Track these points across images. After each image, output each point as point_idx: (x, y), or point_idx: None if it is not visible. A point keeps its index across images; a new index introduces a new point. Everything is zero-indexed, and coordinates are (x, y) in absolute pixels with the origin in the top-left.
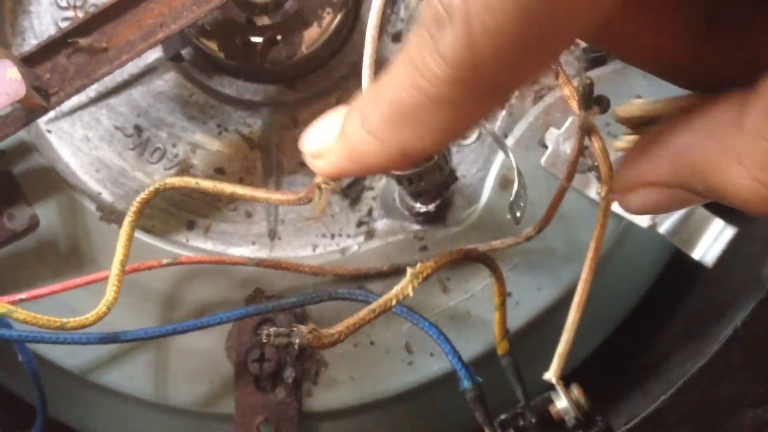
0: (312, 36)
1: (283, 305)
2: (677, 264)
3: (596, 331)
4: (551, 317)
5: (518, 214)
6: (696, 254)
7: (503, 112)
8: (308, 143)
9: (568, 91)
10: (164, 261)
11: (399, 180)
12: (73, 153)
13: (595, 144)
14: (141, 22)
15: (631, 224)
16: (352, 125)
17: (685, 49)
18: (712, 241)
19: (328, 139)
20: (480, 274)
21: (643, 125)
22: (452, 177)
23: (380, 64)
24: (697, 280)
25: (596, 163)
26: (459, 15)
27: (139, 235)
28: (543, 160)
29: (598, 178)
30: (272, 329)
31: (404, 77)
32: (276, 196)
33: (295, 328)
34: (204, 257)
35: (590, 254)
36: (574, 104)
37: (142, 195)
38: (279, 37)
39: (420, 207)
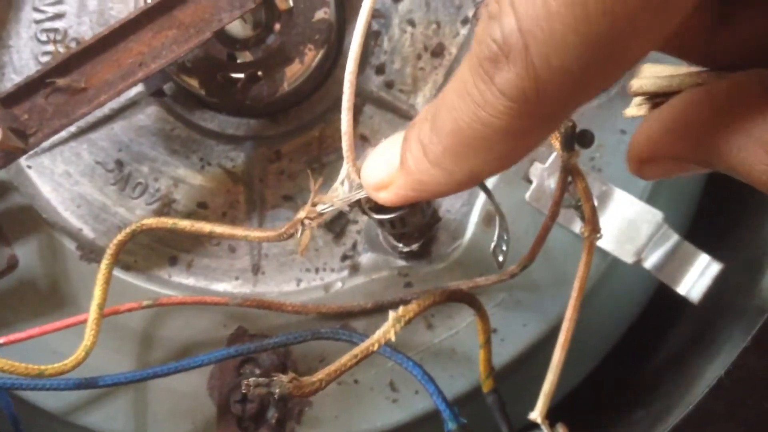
0: (294, 72)
1: (265, 345)
2: (663, 295)
3: (581, 365)
4: (537, 352)
5: (501, 259)
6: (682, 290)
7: None
8: (368, 177)
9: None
10: (144, 303)
11: (381, 223)
12: (54, 189)
13: (579, 185)
14: (120, 61)
15: (616, 260)
16: (414, 158)
17: (699, 28)
18: (698, 276)
19: (389, 171)
20: (465, 311)
21: (656, 98)
22: (435, 218)
23: (363, 98)
24: (683, 312)
25: (580, 203)
26: (518, 53)
27: (119, 273)
28: (527, 196)
29: (582, 218)
30: (252, 379)
31: (463, 111)
32: (255, 233)
33: (275, 378)
34: (186, 298)
35: (574, 294)
36: (556, 144)
37: (119, 237)
38: (260, 74)
39: (403, 247)
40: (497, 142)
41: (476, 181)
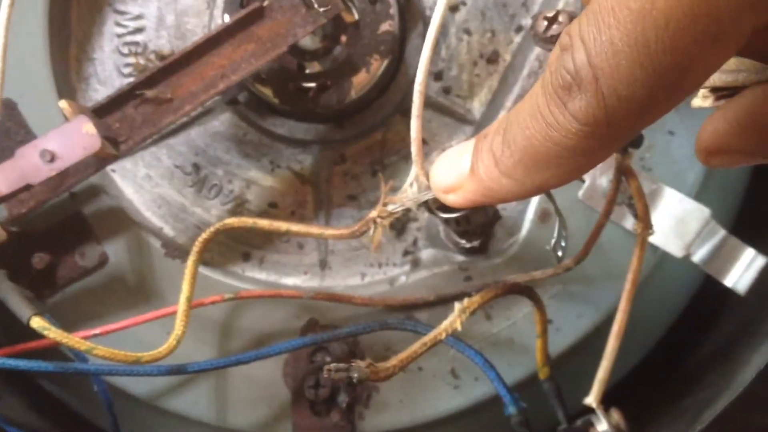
0: (360, 81)
1: (337, 335)
2: (710, 287)
3: (633, 353)
4: (590, 342)
5: (560, 254)
6: (729, 282)
7: None
8: (438, 180)
9: None
10: (226, 296)
11: (446, 221)
12: (136, 191)
13: (632, 185)
14: (203, 74)
15: (665, 254)
16: (485, 167)
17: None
18: (743, 270)
19: (458, 176)
20: (521, 303)
21: (722, 90)
22: (496, 216)
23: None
24: (730, 303)
25: (632, 201)
26: (588, 84)
27: (200, 269)
28: (581, 194)
29: (635, 215)
30: (333, 365)
31: (536, 130)
32: (329, 231)
33: (353, 363)
34: (263, 291)
35: (628, 286)
36: None
37: (204, 236)
38: (329, 83)
39: (465, 243)
40: (567, 159)
41: (543, 191)
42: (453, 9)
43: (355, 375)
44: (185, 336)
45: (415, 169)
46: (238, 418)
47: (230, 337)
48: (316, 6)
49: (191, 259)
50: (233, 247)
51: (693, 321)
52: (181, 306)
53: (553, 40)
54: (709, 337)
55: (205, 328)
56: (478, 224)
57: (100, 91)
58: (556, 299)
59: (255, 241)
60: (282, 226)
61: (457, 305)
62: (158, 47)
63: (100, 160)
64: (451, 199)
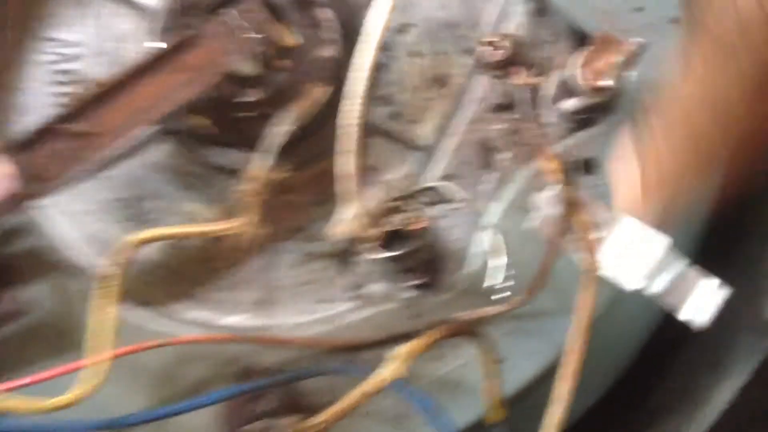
0: (302, 110)
1: (275, 381)
2: (671, 320)
3: (588, 394)
4: (546, 380)
5: (502, 294)
6: (688, 316)
7: (493, 175)
8: None
9: (551, 165)
10: (155, 342)
11: (386, 259)
12: (70, 227)
13: (580, 219)
14: (132, 105)
15: (620, 289)
16: None
17: None
18: (705, 302)
19: None
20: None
21: None
22: (442, 251)
23: (370, 130)
24: (692, 336)
25: (581, 236)
26: None
27: (131, 312)
28: (532, 224)
29: (583, 253)
30: (248, 427)
31: None
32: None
33: (279, 420)
34: (198, 336)
35: (577, 329)
36: (557, 176)
37: (119, 258)
38: (270, 112)
39: (409, 282)
40: None
41: None
42: (402, 30)
43: None
44: (114, 386)
45: (349, 206)
46: None
47: (164, 385)
48: (251, 33)
49: (109, 287)
50: (169, 284)
51: (655, 355)
52: (100, 350)
53: (498, 66)
54: (672, 371)
55: (136, 377)
56: (420, 261)
57: (32, 123)
58: (509, 336)
59: (195, 277)
60: (195, 228)
61: (398, 351)
62: (95, 75)
63: (22, 198)
64: None
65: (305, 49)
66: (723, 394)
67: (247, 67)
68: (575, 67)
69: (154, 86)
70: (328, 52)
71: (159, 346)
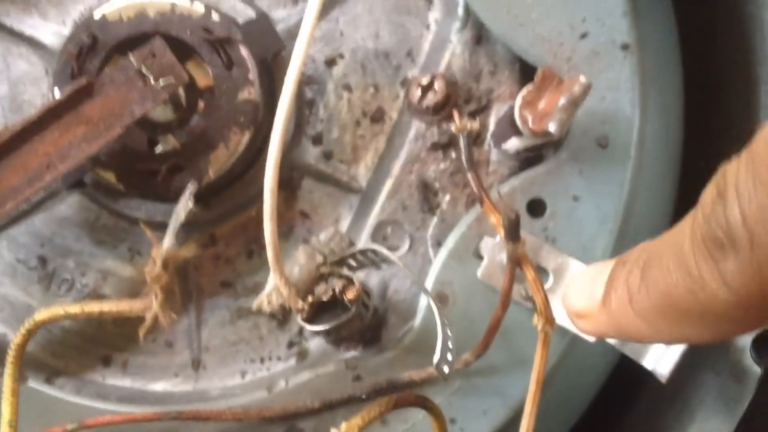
0: (219, 159)
1: None
2: (625, 365)
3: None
4: None
5: (446, 370)
6: (648, 365)
7: (435, 220)
8: (570, 302)
9: (494, 219)
10: (69, 427)
11: (315, 333)
12: None
13: (528, 275)
14: (26, 165)
15: (576, 337)
16: (618, 301)
17: None
18: (663, 351)
19: (591, 304)
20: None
21: None
22: (377, 319)
23: (301, 172)
24: (646, 382)
25: (531, 294)
26: (743, 249)
27: (44, 388)
28: (479, 273)
29: (534, 309)
30: None
31: (679, 280)
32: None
33: None
34: (114, 417)
35: (533, 387)
36: (501, 230)
37: (15, 340)
38: (182, 164)
39: (344, 351)
40: (712, 322)
41: (684, 342)
42: (330, 63)
43: None
44: None
45: (273, 277)
46: None
47: None
48: (153, 80)
49: (7, 372)
50: (91, 350)
51: (608, 404)
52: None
53: (429, 111)
54: (629, 417)
55: None
56: (354, 332)
57: None
58: (459, 395)
59: (116, 342)
60: (94, 307)
61: (339, 429)
62: None
63: None
64: (582, 326)
65: (219, 92)
66: None
67: (159, 111)
68: (515, 109)
69: (49, 143)
70: (244, 95)
71: (76, 430)
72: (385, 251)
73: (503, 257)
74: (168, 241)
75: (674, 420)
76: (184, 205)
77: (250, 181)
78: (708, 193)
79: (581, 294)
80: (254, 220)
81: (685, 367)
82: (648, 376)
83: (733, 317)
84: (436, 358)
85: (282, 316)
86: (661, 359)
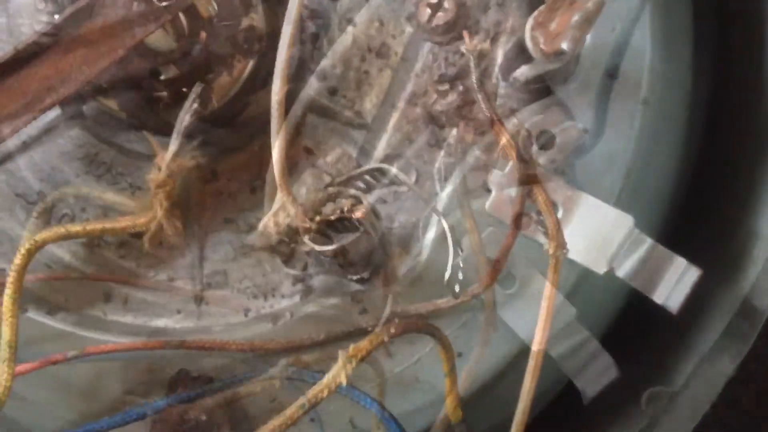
0: (223, 86)
1: (209, 389)
2: (637, 301)
3: (554, 381)
4: (506, 374)
5: (457, 289)
6: (659, 298)
7: (441, 153)
8: None
9: (504, 140)
10: (70, 353)
11: (323, 256)
12: None
13: (539, 197)
14: (24, 89)
15: (586, 270)
16: None
17: None
18: (675, 283)
19: None
20: (426, 336)
21: None
22: (384, 242)
23: (305, 107)
24: (660, 319)
25: (542, 217)
26: None
27: (46, 319)
28: (487, 205)
29: (545, 233)
30: None
31: None
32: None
33: None
34: (117, 345)
35: (543, 317)
36: (512, 154)
37: (16, 261)
38: (184, 90)
39: (351, 277)
40: None
41: None
42: None
43: None
44: (34, 401)
45: (280, 196)
46: None
47: (90, 398)
48: None
49: (7, 293)
50: (91, 285)
51: (620, 340)
52: (3, 354)
53: (441, 31)
54: (640, 355)
55: (57, 390)
56: (360, 255)
57: None
58: (466, 329)
59: (116, 276)
60: (96, 225)
61: (341, 354)
62: None
63: None
64: None
65: (221, 18)
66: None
67: (160, 40)
68: (526, 31)
69: (48, 66)
70: (247, 21)
71: (77, 357)
72: (393, 169)
73: (511, 191)
74: (173, 145)
75: (683, 355)
76: (189, 107)
77: (249, 117)
78: None
79: None
80: (257, 155)
81: (694, 302)
82: (658, 311)
83: None
84: (447, 274)
85: (286, 252)
86: (672, 293)
